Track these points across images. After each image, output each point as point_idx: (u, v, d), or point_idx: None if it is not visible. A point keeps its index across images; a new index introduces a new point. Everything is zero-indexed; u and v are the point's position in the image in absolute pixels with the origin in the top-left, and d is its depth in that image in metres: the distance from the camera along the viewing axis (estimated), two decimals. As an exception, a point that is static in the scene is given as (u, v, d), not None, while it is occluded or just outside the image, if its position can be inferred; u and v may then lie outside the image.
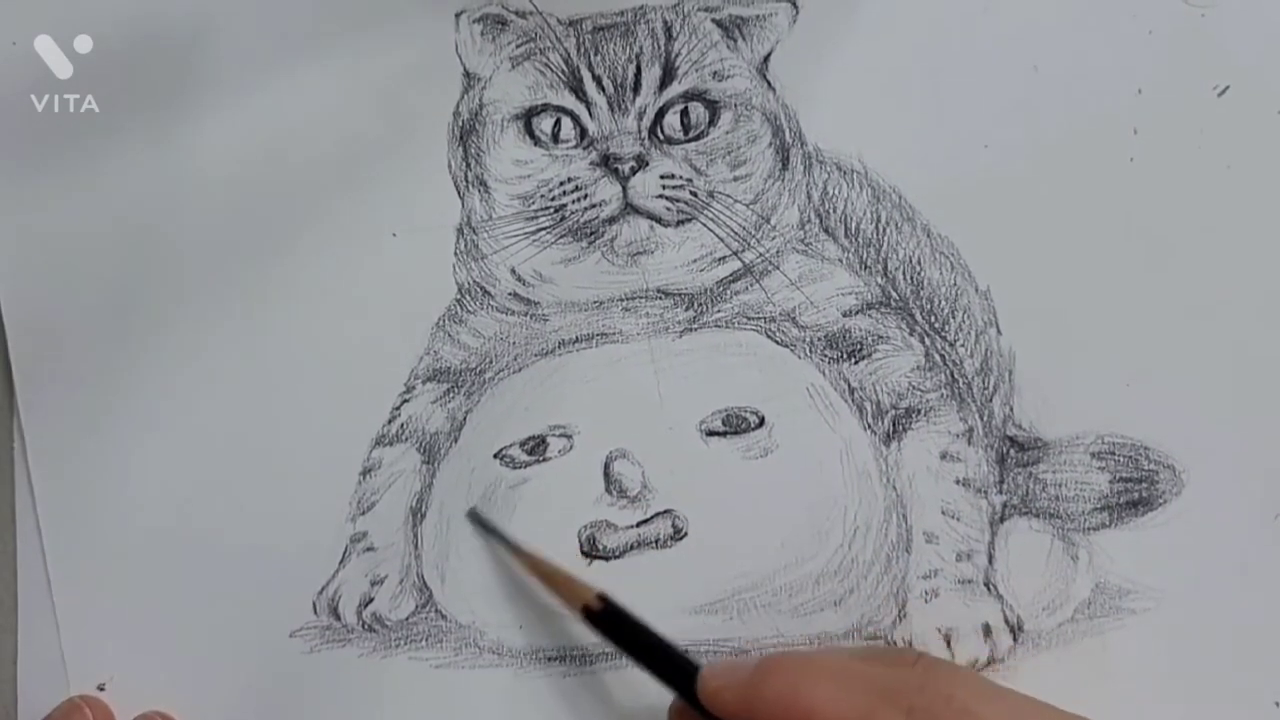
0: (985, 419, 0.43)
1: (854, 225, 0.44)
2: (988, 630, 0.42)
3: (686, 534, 0.43)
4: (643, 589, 0.42)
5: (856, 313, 0.44)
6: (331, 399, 0.44)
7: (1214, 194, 0.43)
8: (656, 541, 0.43)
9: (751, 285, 0.44)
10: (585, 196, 0.44)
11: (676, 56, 0.44)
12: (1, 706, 0.43)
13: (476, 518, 0.43)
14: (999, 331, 0.43)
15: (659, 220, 0.44)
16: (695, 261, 0.44)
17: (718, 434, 0.43)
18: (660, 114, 0.43)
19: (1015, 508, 0.43)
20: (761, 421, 0.43)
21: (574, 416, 0.43)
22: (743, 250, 0.44)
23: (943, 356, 0.44)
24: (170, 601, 0.43)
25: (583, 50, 0.44)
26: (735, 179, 0.44)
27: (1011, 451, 0.43)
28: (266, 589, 0.43)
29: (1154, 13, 0.43)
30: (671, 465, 0.43)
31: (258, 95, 0.44)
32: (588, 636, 0.43)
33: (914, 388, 0.43)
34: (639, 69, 0.43)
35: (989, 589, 0.43)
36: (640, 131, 0.43)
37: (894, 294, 0.44)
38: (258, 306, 0.44)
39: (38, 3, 0.44)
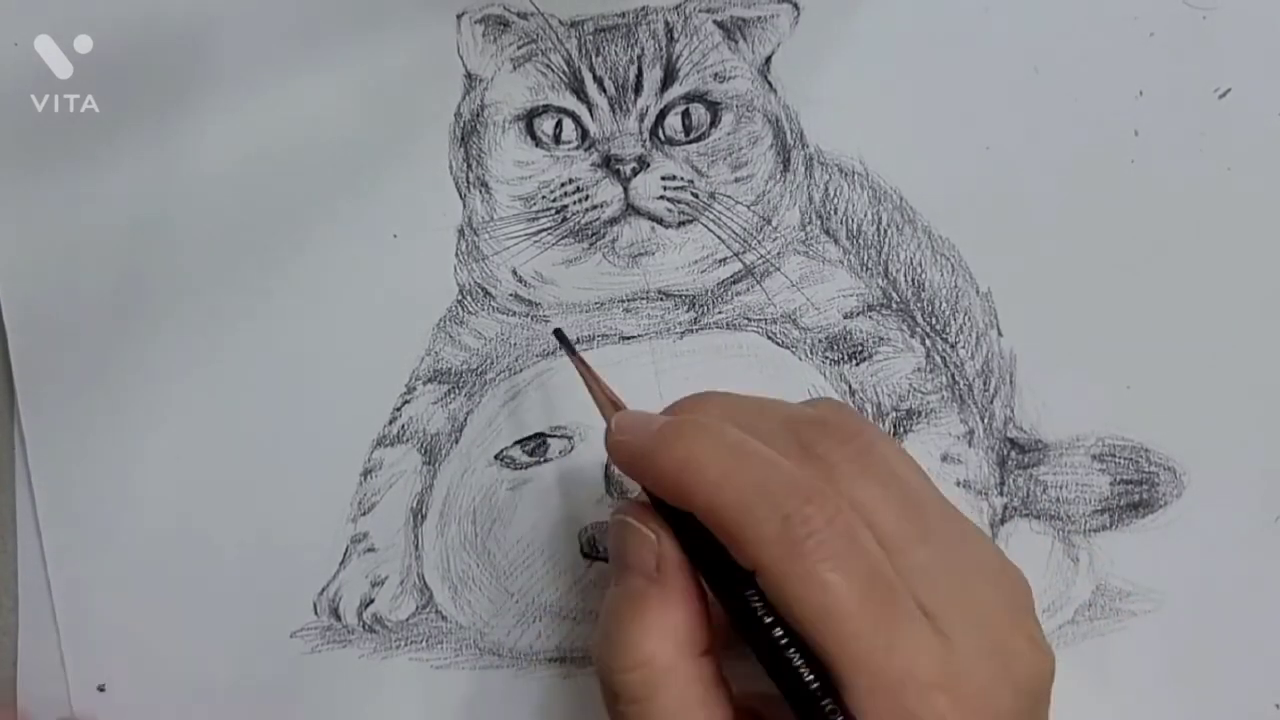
0: (986, 421, 0.43)
1: (855, 227, 0.44)
2: (988, 632, 0.42)
3: (687, 535, 0.43)
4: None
5: (857, 314, 0.44)
6: (332, 400, 0.44)
7: (1215, 196, 0.43)
8: (657, 543, 0.43)
9: (753, 287, 0.44)
10: (587, 198, 0.43)
11: (678, 58, 0.43)
12: (1, 707, 0.43)
13: (561, 336, 0.41)
14: (1000, 333, 0.43)
15: (660, 221, 0.44)
16: (696, 263, 0.44)
17: (719, 435, 0.43)
18: (662, 115, 0.43)
19: (1016, 510, 0.43)
20: (762, 423, 0.43)
21: (575, 417, 0.43)
22: (744, 252, 0.44)
23: (943, 358, 0.44)
24: (170, 602, 0.44)
25: (584, 51, 0.43)
26: (736, 180, 0.44)
27: (1012, 453, 0.43)
28: (267, 589, 0.43)
29: (1155, 15, 0.43)
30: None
31: (258, 95, 0.44)
32: (587, 637, 0.43)
33: (915, 390, 0.43)
34: (640, 70, 0.43)
35: (989, 591, 0.43)
36: (642, 133, 0.43)
37: (895, 296, 0.44)
38: (258, 308, 0.44)
39: (38, 3, 0.44)
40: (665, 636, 0.34)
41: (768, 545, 0.32)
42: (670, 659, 0.34)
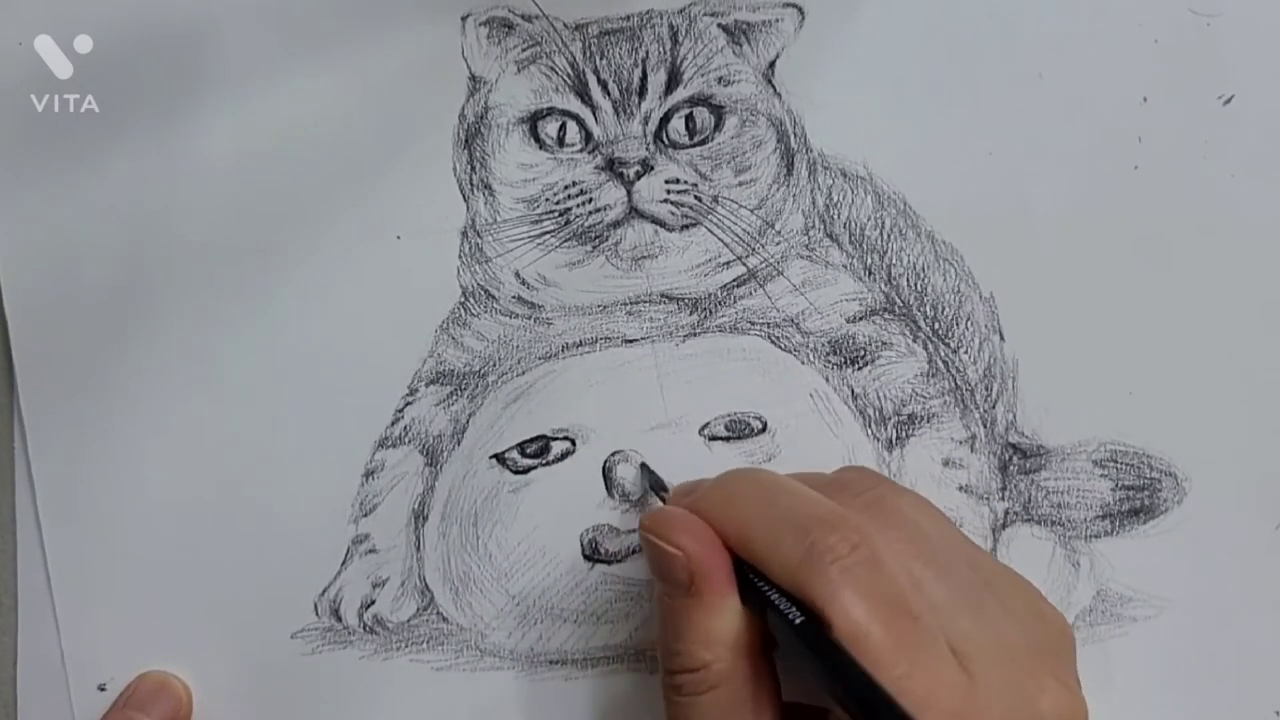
0: (988, 426, 0.43)
1: (858, 231, 0.44)
2: (989, 636, 0.43)
3: (689, 538, 0.43)
4: (645, 593, 0.42)
5: (860, 319, 0.44)
6: (335, 401, 0.43)
7: (1218, 202, 0.43)
8: (659, 546, 0.43)
9: (755, 290, 0.44)
10: (590, 200, 0.43)
11: (682, 61, 0.43)
12: (1, 706, 0.43)
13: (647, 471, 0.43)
14: (1002, 338, 0.43)
15: (663, 225, 0.43)
16: (699, 266, 0.44)
17: (721, 439, 0.43)
18: (665, 119, 0.43)
19: (1017, 515, 0.43)
20: (764, 427, 0.43)
21: (577, 420, 0.43)
22: (747, 255, 0.44)
23: (946, 363, 0.44)
24: (170, 602, 0.44)
25: (589, 54, 0.43)
26: (740, 184, 0.44)
27: (1014, 459, 0.43)
28: (268, 590, 0.43)
29: (1159, 21, 0.43)
30: (674, 470, 0.43)
31: (260, 97, 0.43)
32: (588, 640, 0.43)
33: (917, 394, 0.43)
34: (645, 73, 0.43)
35: (991, 596, 0.43)
36: (645, 136, 0.43)
37: (898, 300, 0.44)
38: (260, 309, 0.44)
39: (38, 3, 0.43)
40: (717, 642, 0.35)
41: (794, 571, 0.34)
42: (727, 663, 0.35)
